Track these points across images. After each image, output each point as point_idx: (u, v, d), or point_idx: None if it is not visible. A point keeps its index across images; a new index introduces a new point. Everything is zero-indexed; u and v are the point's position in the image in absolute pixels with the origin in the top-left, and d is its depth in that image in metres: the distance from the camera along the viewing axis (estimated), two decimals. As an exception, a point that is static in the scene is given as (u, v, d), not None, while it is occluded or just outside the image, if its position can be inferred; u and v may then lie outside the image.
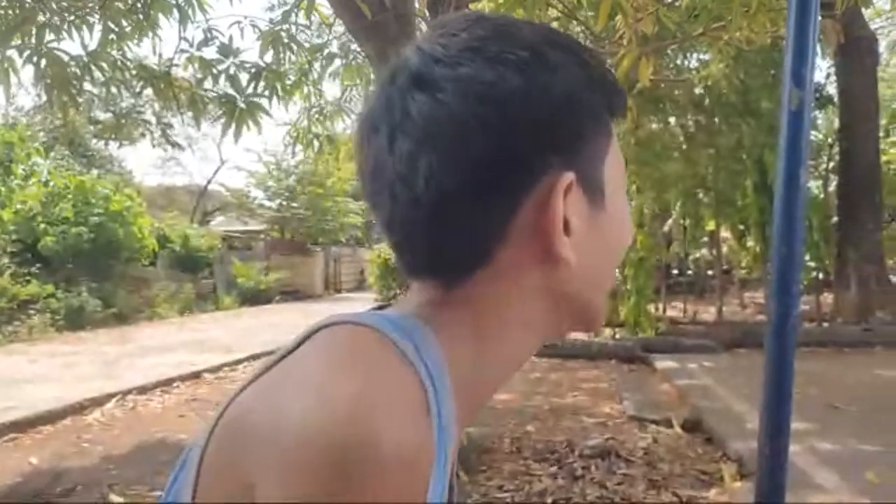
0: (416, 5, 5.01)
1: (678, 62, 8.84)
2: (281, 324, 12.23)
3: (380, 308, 0.55)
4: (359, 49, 5.46)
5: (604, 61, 0.53)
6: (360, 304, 15.29)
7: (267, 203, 22.22)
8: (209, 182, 26.33)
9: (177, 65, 5.18)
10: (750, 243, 11.73)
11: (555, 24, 5.79)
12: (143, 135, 22.70)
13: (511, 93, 0.45)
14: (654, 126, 9.37)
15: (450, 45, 0.47)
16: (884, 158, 11.68)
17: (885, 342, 8.06)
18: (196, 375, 7.33)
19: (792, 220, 1.39)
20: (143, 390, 6.53)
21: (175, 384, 6.91)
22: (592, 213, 0.50)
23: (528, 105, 0.46)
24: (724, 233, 12.54)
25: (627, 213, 0.56)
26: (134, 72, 5.19)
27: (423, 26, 5.75)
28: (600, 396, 5.90)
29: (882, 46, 12.51)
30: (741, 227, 11.26)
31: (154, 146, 24.19)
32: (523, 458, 4.16)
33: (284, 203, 21.56)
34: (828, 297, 10.29)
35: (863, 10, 7.32)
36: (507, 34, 0.48)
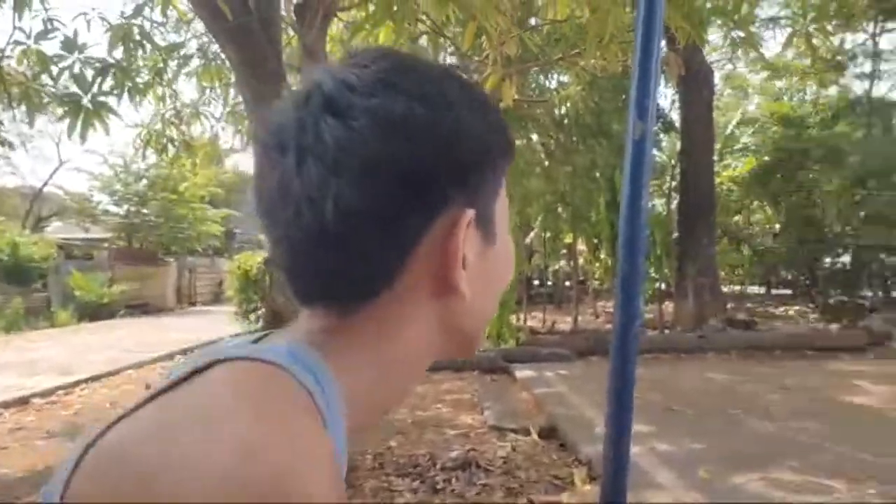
0: (283, 11, 4.85)
1: (540, 82, 9.28)
2: (125, 340, 11.33)
3: (262, 335, 0.54)
4: (219, 51, 5.18)
5: (498, 107, 0.56)
6: (217, 317, 14.53)
7: (113, 209, 20.45)
8: (45, 184, 23.88)
9: (9, 56, 4.66)
10: (602, 256, 12.54)
11: (423, 40, 5.87)
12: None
13: (422, 128, 0.47)
14: (517, 143, 9.74)
15: (363, 76, 0.48)
16: (717, 181, 12.98)
17: (716, 348, 8.88)
18: (23, 401, 6.55)
19: (634, 241, 1.45)
20: (-45, 419, 5.74)
21: (-4, 411, 6.14)
22: (484, 248, 0.53)
23: (437, 141, 0.47)
24: (581, 246, 13.31)
25: (512, 248, 0.59)
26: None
27: (290, 31, 5.59)
28: (463, 408, 5.98)
29: (717, 78, 13.89)
30: (595, 240, 11.99)
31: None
32: (385, 474, 4.10)
33: (133, 209, 20.00)
34: (669, 307, 11.20)
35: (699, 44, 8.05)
36: (419, 72, 0.50)
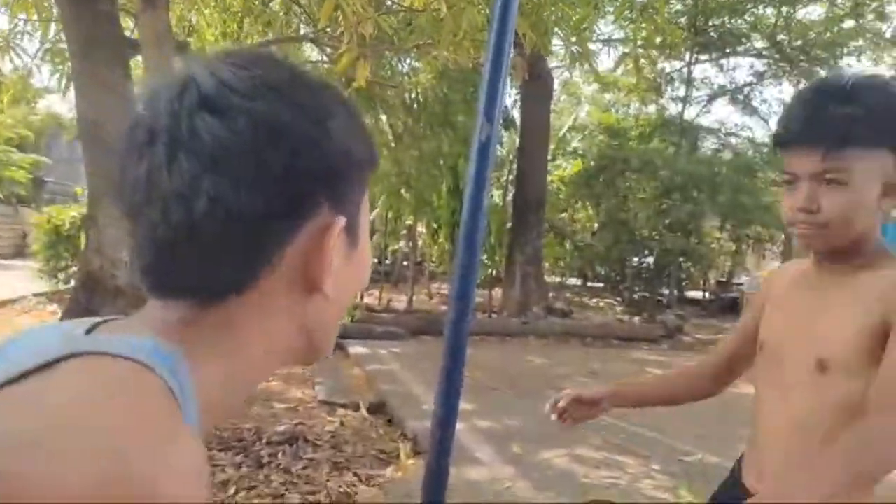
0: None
1: (393, 65, 9.33)
2: None
3: (100, 322, 0.53)
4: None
5: (361, 119, 0.58)
6: (18, 273, 12.97)
7: None
8: None
9: None
10: (441, 240, 12.95)
11: (277, 9, 5.69)
12: None
13: (300, 136, 0.49)
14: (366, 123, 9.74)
15: (243, 78, 0.49)
16: (549, 179, 13.90)
17: (537, 333, 9.59)
18: None
19: (473, 235, 1.59)
20: None
21: None
22: (348, 254, 0.56)
23: (313, 150, 0.50)
24: (420, 228, 13.62)
25: (370, 252, 0.62)
26: None
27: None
28: (294, 382, 5.95)
29: (556, 84, 14.80)
30: (435, 225, 12.34)
31: None
32: (209, 449, 4.00)
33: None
34: (498, 293, 11.87)
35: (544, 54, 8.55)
36: (298, 81, 0.52)
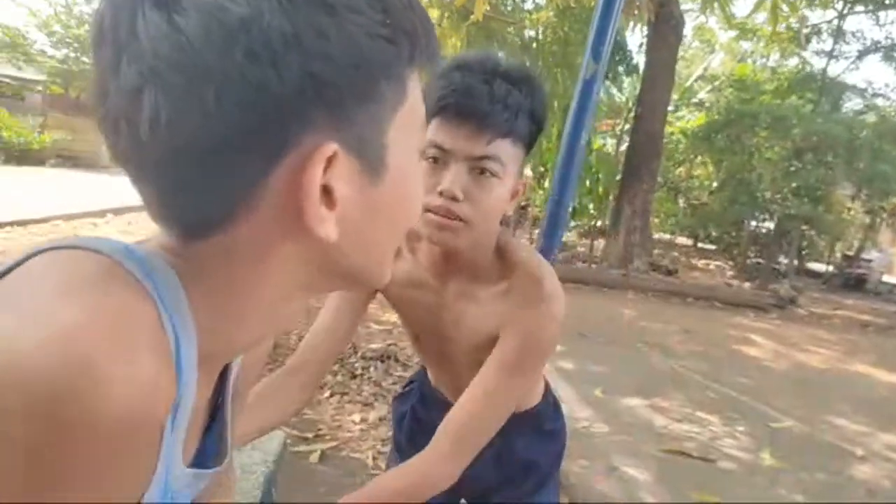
0: None
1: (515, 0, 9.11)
2: (57, 189, 10.96)
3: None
4: None
5: (419, 2, 0.45)
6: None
7: (50, 51, 19.20)
8: (-24, 11, 21.95)
9: None
10: (546, 185, 12.78)
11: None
12: None
13: (269, 33, 0.37)
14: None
15: None
16: (668, 130, 13.26)
17: (636, 288, 9.40)
18: (-57, 235, 6.39)
19: (566, 177, 1.60)
20: None
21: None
22: (370, 183, 0.44)
23: (289, 52, 0.37)
24: (527, 171, 13.46)
25: (418, 179, 0.50)
26: None
27: None
28: (388, 307, 6.21)
29: (688, 29, 13.91)
30: (542, 168, 12.17)
31: None
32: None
33: (73, 55, 18.80)
34: (601, 244, 11.66)
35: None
36: None
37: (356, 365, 4.17)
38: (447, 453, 0.99)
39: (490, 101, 0.91)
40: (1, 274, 0.41)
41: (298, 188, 0.41)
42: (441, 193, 0.93)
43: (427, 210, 0.94)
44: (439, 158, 0.94)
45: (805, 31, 14.32)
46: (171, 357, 0.41)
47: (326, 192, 0.42)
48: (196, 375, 0.45)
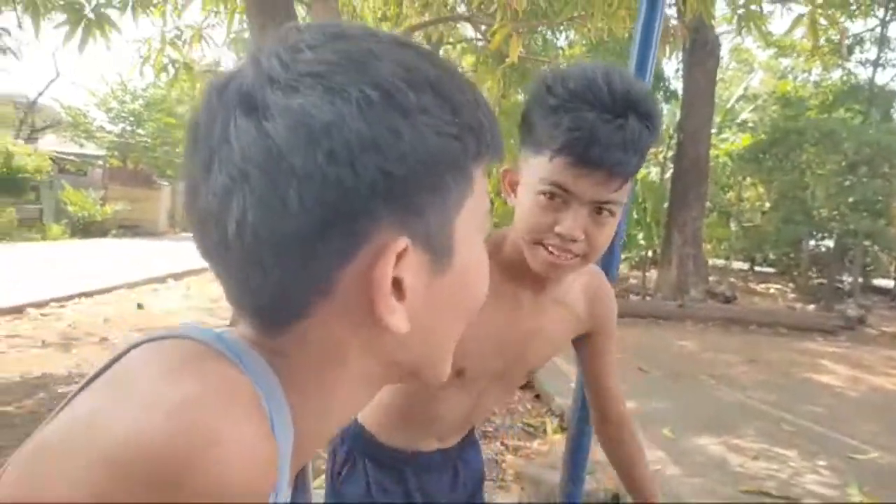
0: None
1: (546, 37, 9.22)
2: (120, 259, 11.43)
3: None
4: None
5: (483, 99, 0.47)
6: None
7: (108, 126, 20.34)
8: (40, 94, 23.49)
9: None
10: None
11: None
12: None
13: (348, 138, 0.39)
14: (520, 98, 9.75)
15: (291, 65, 0.41)
16: (713, 154, 13.04)
17: (693, 318, 9.14)
18: (18, 310, 6.69)
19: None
20: (-48, 323, 5.90)
21: (-9, 318, 6.29)
22: (436, 274, 0.46)
23: (366, 155, 0.39)
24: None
25: (483, 263, 0.51)
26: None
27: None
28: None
29: (724, 51, 13.80)
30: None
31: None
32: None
33: (129, 129, 19.85)
34: (654, 275, 11.43)
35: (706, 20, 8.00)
36: (360, 63, 0.41)
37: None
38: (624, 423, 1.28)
39: (623, 149, 0.85)
40: (103, 368, 0.43)
41: (371, 281, 0.42)
42: (560, 234, 0.90)
43: (538, 244, 0.93)
44: (557, 196, 0.90)
45: (847, 41, 13.99)
46: (272, 432, 0.42)
47: (396, 284, 0.43)
48: (289, 460, 0.46)
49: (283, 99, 0.40)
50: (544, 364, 1.22)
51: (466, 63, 11.53)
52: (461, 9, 7.19)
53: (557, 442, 3.83)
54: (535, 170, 0.91)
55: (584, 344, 1.21)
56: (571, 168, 0.87)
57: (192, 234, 0.45)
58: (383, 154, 0.40)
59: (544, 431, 4.08)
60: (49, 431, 0.39)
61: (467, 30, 9.58)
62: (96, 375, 0.43)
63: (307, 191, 0.39)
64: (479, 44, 7.47)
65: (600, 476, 3.16)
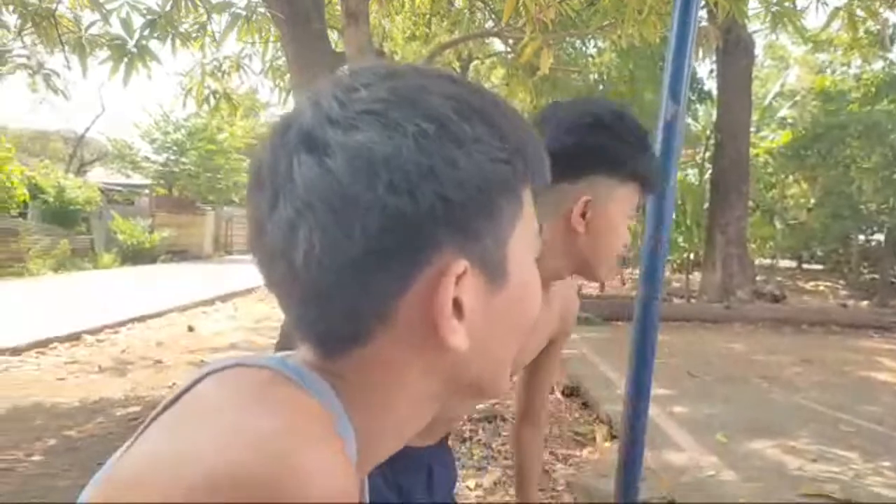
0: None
1: (576, 47, 9.22)
2: (169, 283, 11.75)
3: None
4: (265, 9, 5.32)
5: (527, 124, 0.51)
6: (252, 266, 14.86)
7: (153, 156, 21.01)
8: (87, 129, 24.44)
9: (61, 1, 4.85)
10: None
11: (462, 7, 5.94)
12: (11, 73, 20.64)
13: (407, 169, 0.42)
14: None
15: (348, 104, 0.44)
16: (753, 152, 12.80)
17: (742, 319, 8.96)
18: (75, 337, 6.96)
19: (661, 218, 1.60)
20: (16, 351, 6.14)
21: (52, 345, 6.54)
22: (492, 292, 0.48)
23: (425, 184, 0.42)
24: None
25: (535, 281, 0.53)
26: (12, 6, 4.79)
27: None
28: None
29: (758, 48, 13.57)
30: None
31: (32, 91, 22.17)
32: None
33: (172, 158, 20.48)
34: (697, 276, 11.23)
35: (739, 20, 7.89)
36: (413, 99, 0.44)
37: (464, 428, 4.17)
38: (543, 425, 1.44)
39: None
40: (172, 400, 0.45)
41: (432, 304, 0.44)
42: (626, 246, 1.13)
43: (618, 256, 1.14)
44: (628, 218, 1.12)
45: (889, 31, 13.59)
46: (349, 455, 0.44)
47: (456, 304, 0.45)
48: (358, 479, 0.47)
49: (343, 136, 0.42)
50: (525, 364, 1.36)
51: (496, 77, 11.58)
52: (489, 24, 7.26)
53: (607, 450, 3.80)
54: (626, 199, 1.09)
55: (547, 345, 1.35)
56: (644, 195, 1.13)
57: (258, 269, 0.48)
58: (440, 182, 0.42)
59: (593, 439, 4.04)
60: (125, 466, 0.40)
61: (496, 44, 9.66)
62: (165, 408, 0.44)
63: (370, 221, 0.41)
64: (510, 57, 7.51)
65: (652, 483, 3.13)
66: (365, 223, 0.41)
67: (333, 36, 6.91)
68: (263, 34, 7.14)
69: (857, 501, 3.16)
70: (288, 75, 5.83)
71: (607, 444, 3.90)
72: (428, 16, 6.84)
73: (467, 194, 0.43)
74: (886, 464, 3.68)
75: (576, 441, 4.07)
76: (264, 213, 0.44)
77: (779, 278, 13.82)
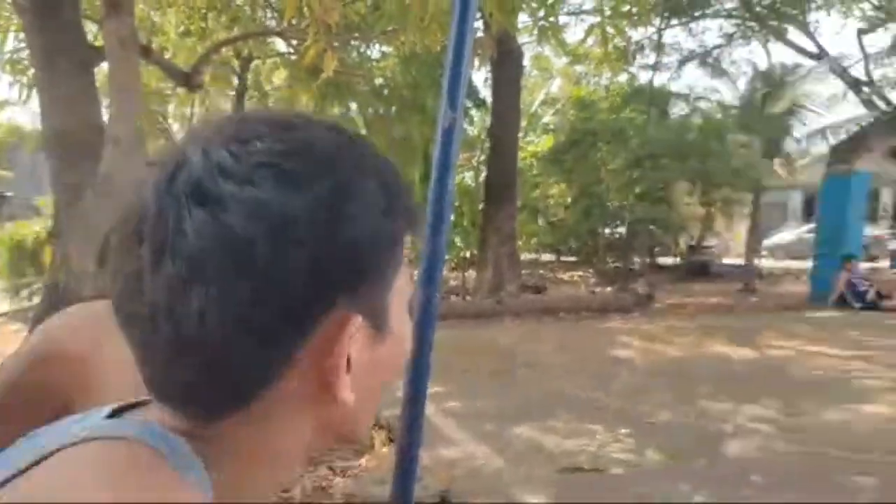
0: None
1: (360, 51, 9.31)
2: None
3: (118, 410, 0.49)
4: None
5: (404, 181, 0.51)
6: None
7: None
8: None
9: None
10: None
11: (241, 3, 5.65)
12: None
13: (305, 227, 0.41)
14: (336, 112, 9.70)
15: (242, 157, 0.42)
16: (521, 156, 14.01)
17: (511, 313, 9.67)
18: None
19: (439, 221, 1.68)
20: None
21: None
22: (377, 343, 0.47)
23: (322, 242, 0.41)
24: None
25: (408, 329, 0.53)
26: None
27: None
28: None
29: (526, 59, 14.80)
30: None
31: None
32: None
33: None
34: (472, 275, 11.98)
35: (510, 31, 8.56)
36: (312, 154, 0.43)
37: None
38: None
39: None
40: (25, 468, 0.41)
41: (327, 360, 0.43)
42: None
43: None
44: None
45: (631, 48, 15.66)
46: None
47: (347, 359, 0.45)
48: None
49: (239, 190, 0.40)
50: None
51: (279, 78, 11.19)
52: (271, 23, 7.02)
53: (385, 456, 3.83)
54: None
55: None
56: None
57: (123, 329, 0.44)
58: (336, 238, 0.42)
59: (372, 446, 4.01)
60: None
61: (279, 44, 9.35)
62: (23, 471, 0.41)
63: (268, 279, 0.40)
64: (293, 58, 7.33)
65: (428, 481, 3.31)
66: (264, 281, 0.40)
67: (93, 28, 6.17)
68: (2, 22, 6.19)
69: (601, 468, 3.66)
70: (32, 70, 5.12)
71: (385, 450, 3.95)
72: (204, 10, 6.39)
73: (361, 249, 0.43)
74: (624, 431, 4.29)
75: (354, 451, 3.99)
76: (144, 268, 0.41)
77: (541, 271, 15.31)
